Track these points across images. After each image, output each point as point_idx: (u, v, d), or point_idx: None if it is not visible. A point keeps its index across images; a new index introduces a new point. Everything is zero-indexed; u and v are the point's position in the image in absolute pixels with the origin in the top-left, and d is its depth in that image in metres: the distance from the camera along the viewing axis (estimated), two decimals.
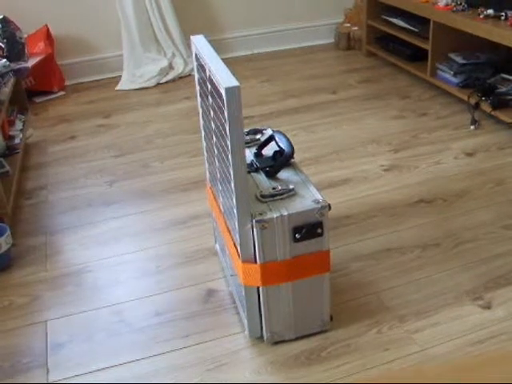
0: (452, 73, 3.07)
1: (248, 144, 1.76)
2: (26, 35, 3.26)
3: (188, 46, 3.84)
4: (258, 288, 1.54)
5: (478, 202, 2.21)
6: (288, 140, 1.65)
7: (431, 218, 2.14)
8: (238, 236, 1.47)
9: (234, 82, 1.29)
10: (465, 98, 2.95)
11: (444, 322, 1.66)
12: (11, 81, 2.72)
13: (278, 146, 1.66)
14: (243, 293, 1.56)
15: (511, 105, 2.77)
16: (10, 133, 2.78)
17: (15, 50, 3.01)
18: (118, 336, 1.70)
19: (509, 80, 2.90)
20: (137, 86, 3.66)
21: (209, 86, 1.50)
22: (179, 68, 3.81)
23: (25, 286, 1.93)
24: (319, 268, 1.54)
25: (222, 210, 1.68)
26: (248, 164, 1.66)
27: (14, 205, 2.40)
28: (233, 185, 1.39)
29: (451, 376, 0.64)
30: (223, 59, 1.43)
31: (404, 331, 1.63)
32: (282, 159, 1.62)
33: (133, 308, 1.80)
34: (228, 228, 1.62)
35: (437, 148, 2.64)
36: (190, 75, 3.81)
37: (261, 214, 1.44)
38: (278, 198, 1.51)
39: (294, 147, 1.64)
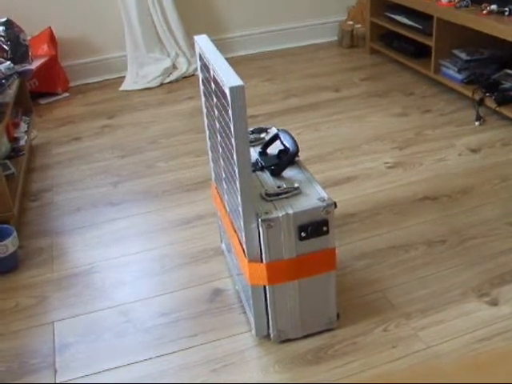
0: (456, 69, 3.06)
1: (253, 143, 1.76)
2: (29, 37, 3.27)
3: (191, 45, 3.84)
4: (264, 287, 1.54)
5: (483, 198, 2.21)
6: (293, 138, 1.65)
7: (436, 214, 2.13)
8: (243, 235, 1.47)
9: (238, 82, 1.29)
10: (469, 94, 2.94)
11: (450, 319, 1.65)
12: (15, 83, 2.72)
13: (283, 145, 1.66)
14: (249, 292, 1.56)
15: None
16: (15, 135, 2.79)
17: (19, 52, 3.02)
18: (125, 336, 1.70)
19: None
20: (140, 87, 3.67)
21: (213, 86, 1.50)
22: (183, 68, 3.81)
23: (32, 288, 1.94)
24: (325, 266, 1.54)
25: (228, 210, 1.68)
26: (253, 163, 1.66)
27: (20, 207, 2.41)
28: (238, 184, 1.39)
29: (460, 374, 0.64)
30: (226, 58, 1.43)
31: (411, 329, 1.63)
32: (287, 158, 1.62)
33: (139, 308, 1.81)
34: (234, 227, 1.62)
35: (441, 145, 2.63)
36: (193, 75, 3.82)
37: (266, 213, 1.44)
38: (284, 196, 1.51)
39: (299, 145, 1.64)
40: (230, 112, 1.31)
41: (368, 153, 2.61)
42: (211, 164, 1.86)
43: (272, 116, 3.09)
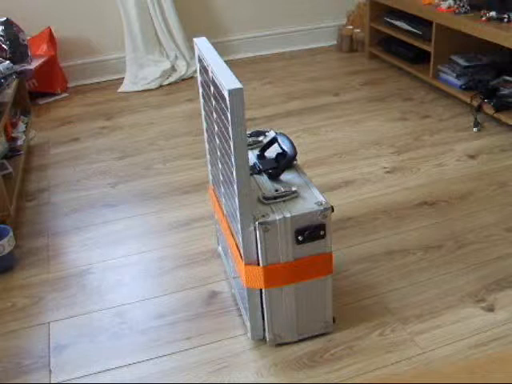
0: (455, 75, 3.07)
1: (251, 146, 1.76)
2: (28, 37, 3.27)
3: (191, 47, 3.85)
4: (260, 290, 1.54)
5: (480, 204, 2.21)
6: (291, 142, 1.65)
7: (434, 220, 2.13)
8: (240, 238, 1.47)
9: (237, 84, 1.29)
10: (467, 100, 2.95)
11: (447, 324, 1.65)
12: (14, 83, 2.72)
13: (281, 148, 1.66)
14: (246, 295, 1.56)
15: None
16: (13, 134, 2.79)
17: (18, 52, 3.02)
18: (121, 338, 1.70)
19: (511, 82, 2.89)
20: (139, 88, 3.67)
21: (212, 88, 1.50)
22: (182, 70, 3.82)
23: (27, 288, 1.94)
24: (322, 270, 1.54)
25: (225, 212, 1.68)
26: (251, 166, 1.66)
27: (17, 206, 2.40)
28: (235, 187, 1.39)
29: (455, 378, 0.64)
30: (226, 61, 1.43)
31: (407, 333, 1.63)
32: (285, 161, 1.62)
33: (135, 310, 1.80)
34: (231, 230, 1.62)
35: (439, 150, 2.63)
36: (192, 77, 3.82)
37: (263, 217, 1.44)
38: (281, 200, 1.51)
39: (297, 149, 1.64)
40: (228, 115, 1.31)
41: (366, 157, 2.61)
42: (209, 167, 1.86)
43: (271, 119, 3.09)
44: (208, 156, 1.83)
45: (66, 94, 3.66)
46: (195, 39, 1.66)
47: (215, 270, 1.96)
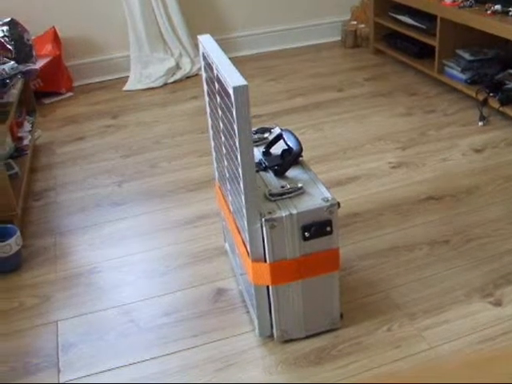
0: (460, 69, 3.05)
1: (256, 143, 1.76)
2: (33, 37, 3.28)
3: (195, 45, 3.84)
4: (267, 287, 1.54)
5: (486, 198, 2.20)
6: (296, 138, 1.65)
7: (440, 215, 2.13)
8: (247, 235, 1.47)
9: (241, 81, 1.29)
10: (473, 94, 2.94)
11: (454, 319, 1.65)
12: (19, 82, 2.73)
13: (287, 145, 1.66)
14: (253, 292, 1.56)
15: None
16: (19, 134, 2.79)
17: (23, 52, 3.03)
18: (128, 336, 1.70)
19: None
20: (144, 86, 3.67)
21: (216, 86, 1.50)
22: (186, 68, 3.81)
23: (35, 287, 1.94)
24: (329, 266, 1.54)
25: (231, 209, 1.68)
26: (256, 163, 1.66)
27: (23, 206, 2.41)
28: (242, 184, 1.39)
29: (462, 373, 0.64)
30: (230, 58, 1.43)
31: (414, 329, 1.63)
32: (291, 158, 1.62)
33: (142, 308, 1.81)
34: (237, 227, 1.62)
35: (445, 145, 2.63)
36: (197, 75, 3.82)
37: (270, 213, 1.44)
38: (287, 196, 1.51)
39: (302, 145, 1.64)
40: (233, 112, 1.31)
41: (371, 153, 2.61)
42: (214, 164, 1.86)
43: (276, 116, 3.09)
44: (213, 153, 1.83)
45: (71, 94, 3.66)
46: (199, 37, 1.66)
47: (222, 267, 1.96)
